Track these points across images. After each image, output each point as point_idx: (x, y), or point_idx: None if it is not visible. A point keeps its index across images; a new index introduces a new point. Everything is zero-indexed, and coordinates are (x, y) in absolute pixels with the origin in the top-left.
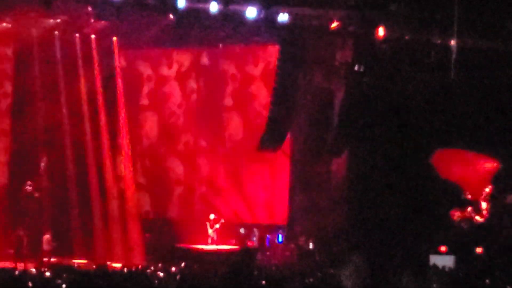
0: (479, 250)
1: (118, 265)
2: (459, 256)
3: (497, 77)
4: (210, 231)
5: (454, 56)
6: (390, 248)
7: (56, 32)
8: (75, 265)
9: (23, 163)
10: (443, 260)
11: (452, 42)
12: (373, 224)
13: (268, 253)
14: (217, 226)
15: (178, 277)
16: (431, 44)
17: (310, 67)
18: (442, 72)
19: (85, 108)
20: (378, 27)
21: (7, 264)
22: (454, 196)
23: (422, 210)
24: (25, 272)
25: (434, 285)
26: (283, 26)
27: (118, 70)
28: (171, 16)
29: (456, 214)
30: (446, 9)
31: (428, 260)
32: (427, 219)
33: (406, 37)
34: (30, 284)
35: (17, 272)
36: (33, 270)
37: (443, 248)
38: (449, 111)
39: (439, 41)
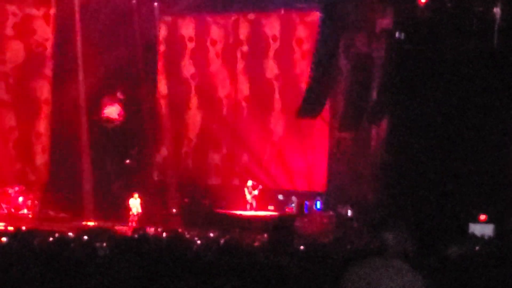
0: None
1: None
2: (498, 225)
3: None
4: (248, 197)
5: (497, 23)
6: (430, 215)
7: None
8: (114, 229)
9: (63, 131)
10: (482, 229)
11: (496, 9)
12: (412, 192)
13: (306, 220)
14: (256, 192)
15: (220, 242)
16: (474, 11)
17: (350, 33)
18: (484, 40)
19: (126, 74)
20: None
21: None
22: (496, 163)
23: (463, 177)
24: (63, 235)
25: (474, 252)
26: None
27: (159, 36)
28: None
29: None
30: None
31: (467, 229)
32: (467, 187)
33: (448, 4)
34: (69, 247)
35: (56, 235)
36: (71, 234)
37: (482, 217)
38: (492, 80)
39: (482, 8)
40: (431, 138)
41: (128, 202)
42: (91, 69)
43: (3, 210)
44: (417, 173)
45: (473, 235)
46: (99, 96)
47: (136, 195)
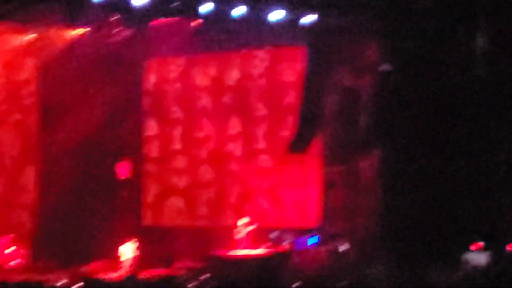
0: None
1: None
2: (493, 253)
3: None
4: (241, 236)
5: (480, 52)
6: (424, 246)
7: (82, 41)
8: (107, 276)
9: (53, 176)
10: (476, 257)
11: (479, 38)
12: (406, 222)
13: (301, 256)
14: (248, 231)
15: (213, 284)
16: (458, 41)
17: (337, 68)
18: (469, 68)
19: (112, 117)
20: (403, 25)
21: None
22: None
23: (457, 207)
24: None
25: (469, 282)
26: (310, 28)
27: (145, 78)
28: (197, 21)
29: None
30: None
31: (462, 257)
32: (461, 216)
33: (432, 34)
34: None
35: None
36: (64, 281)
37: (477, 244)
38: (479, 106)
39: (465, 38)
40: (422, 167)
41: (118, 249)
42: (79, 110)
43: None
44: (411, 203)
45: (467, 263)
46: (89, 140)
47: (128, 242)
